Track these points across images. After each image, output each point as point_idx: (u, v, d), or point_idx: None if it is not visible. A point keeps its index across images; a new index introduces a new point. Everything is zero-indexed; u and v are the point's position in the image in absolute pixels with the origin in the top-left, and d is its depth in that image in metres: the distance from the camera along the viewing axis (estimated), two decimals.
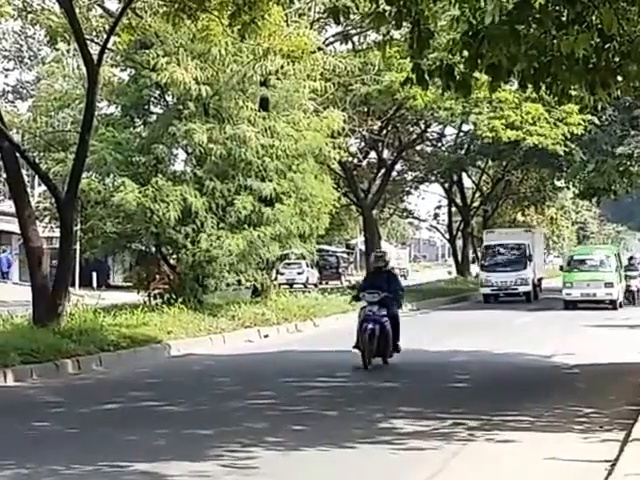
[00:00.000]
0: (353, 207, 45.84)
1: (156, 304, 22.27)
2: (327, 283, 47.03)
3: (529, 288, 37.80)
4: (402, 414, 11.25)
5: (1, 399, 12.73)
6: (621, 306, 32.89)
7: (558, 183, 47.83)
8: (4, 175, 25.77)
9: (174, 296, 21.95)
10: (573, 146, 35.48)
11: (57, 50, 23.64)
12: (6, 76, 39.72)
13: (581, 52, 10.13)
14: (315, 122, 24.68)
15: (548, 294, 39.94)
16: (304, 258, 38.89)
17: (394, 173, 45.86)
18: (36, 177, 27.84)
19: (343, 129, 26.51)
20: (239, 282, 24.07)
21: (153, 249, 23.80)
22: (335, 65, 24.45)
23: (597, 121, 34.51)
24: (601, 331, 23.03)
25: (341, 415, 11.36)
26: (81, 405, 11.97)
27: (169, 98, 24.03)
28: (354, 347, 15.74)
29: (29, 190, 22.72)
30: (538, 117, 34.18)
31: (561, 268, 35.84)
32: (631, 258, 40.69)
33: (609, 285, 32.61)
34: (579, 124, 33.99)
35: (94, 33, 21.44)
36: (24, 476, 8.29)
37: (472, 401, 12.34)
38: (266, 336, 21.79)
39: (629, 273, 38.42)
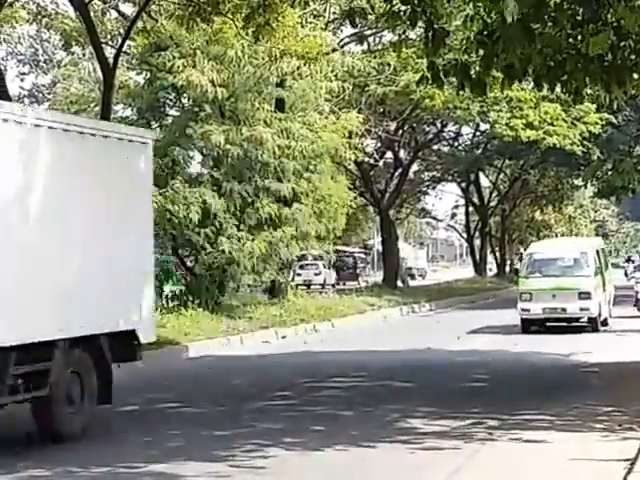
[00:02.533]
0: (370, 208, 45.80)
1: (173, 306, 22.32)
2: (344, 284, 46.98)
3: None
4: (420, 414, 11.25)
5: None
6: (606, 324, 23.36)
7: (576, 182, 47.66)
8: None
9: (191, 298, 21.98)
10: (590, 145, 35.33)
11: (72, 54, 23.79)
12: (22, 80, 39.92)
13: (597, 51, 10.10)
14: (331, 123, 24.69)
15: None
16: (321, 259, 38.92)
17: (411, 173, 45.76)
18: None
19: (359, 129, 26.52)
20: (255, 285, 24.10)
21: (170, 252, 23.83)
22: (352, 65, 24.45)
23: (614, 120, 34.36)
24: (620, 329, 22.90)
25: (359, 415, 11.36)
26: (98, 407, 11.99)
27: (185, 100, 24.11)
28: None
29: None
30: (556, 117, 34.06)
31: (516, 272, 25.66)
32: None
33: (585, 296, 22.22)
34: (596, 123, 33.86)
35: (109, 37, 21.54)
36: (41, 477, 8.33)
37: (491, 400, 12.31)
38: (283, 337, 21.81)
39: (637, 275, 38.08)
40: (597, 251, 23.87)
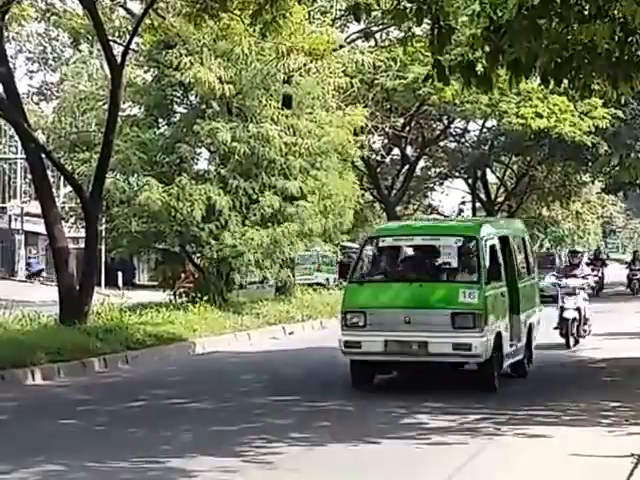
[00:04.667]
0: (377, 204, 45.79)
1: (181, 302, 22.38)
2: None
3: None
4: (427, 409, 11.29)
5: (30, 397, 12.85)
6: (519, 373, 14.06)
7: (583, 178, 47.60)
8: (30, 176, 26.02)
9: (199, 294, 22.04)
10: (598, 139, 35.30)
11: (80, 52, 23.87)
12: (31, 78, 40.13)
13: (604, 45, 10.12)
14: (338, 119, 24.70)
15: None
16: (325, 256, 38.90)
17: (417, 169, 45.77)
18: (61, 178, 28.07)
19: (366, 126, 26.51)
20: (262, 281, 24.15)
21: (177, 248, 23.91)
22: (360, 60, 24.44)
23: (622, 114, 34.32)
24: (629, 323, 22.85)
25: (365, 411, 11.42)
26: (108, 403, 12.06)
27: (192, 97, 24.12)
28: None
29: (55, 191, 22.91)
30: (564, 109, 34.05)
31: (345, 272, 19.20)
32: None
33: (466, 321, 12.49)
34: (603, 117, 33.81)
35: (117, 34, 21.56)
36: (54, 473, 8.39)
37: (498, 395, 12.38)
38: (291, 333, 21.85)
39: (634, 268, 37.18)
40: (504, 240, 13.85)
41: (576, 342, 18.22)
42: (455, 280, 13.15)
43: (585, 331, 18.67)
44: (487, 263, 12.87)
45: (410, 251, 14.30)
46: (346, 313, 12.93)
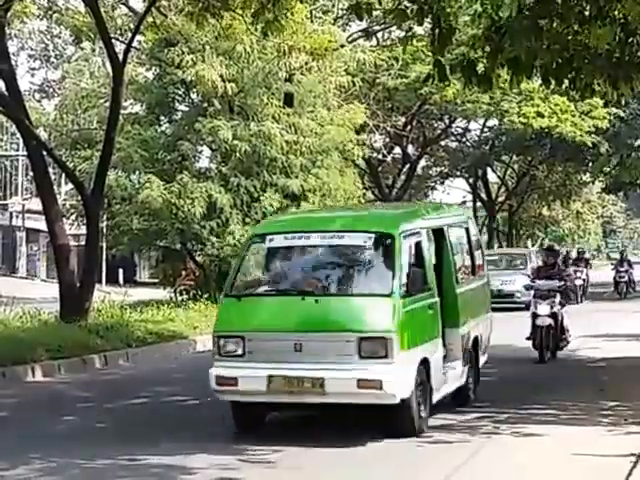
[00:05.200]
0: (378, 203, 45.84)
1: (182, 300, 22.43)
2: None
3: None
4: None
5: (30, 394, 12.89)
6: (460, 402, 11.31)
7: (584, 178, 47.67)
8: (32, 173, 26.06)
9: (200, 292, 22.08)
10: (598, 139, 35.34)
11: (82, 49, 23.93)
12: (32, 75, 40.18)
13: (604, 46, 10.16)
14: (338, 116, 24.73)
15: None
16: None
17: (419, 168, 45.83)
18: (63, 175, 28.10)
19: (367, 125, 26.51)
20: None
21: (178, 246, 23.96)
22: (362, 59, 24.47)
23: (622, 114, 34.36)
24: (627, 324, 22.90)
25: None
26: (108, 400, 12.10)
27: (194, 95, 24.21)
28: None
29: (56, 188, 22.94)
30: (565, 109, 34.12)
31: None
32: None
33: (374, 349, 9.33)
34: (604, 117, 33.87)
35: (119, 32, 21.62)
36: (54, 469, 8.44)
37: (497, 395, 12.36)
38: None
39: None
40: (438, 234, 11.16)
41: (553, 355, 15.90)
42: (363, 293, 9.76)
43: (563, 341, 16.17)
44: (406, 268, 9.77)
45: (306, 253, 10.70)
46: (218, 338, 9.72)
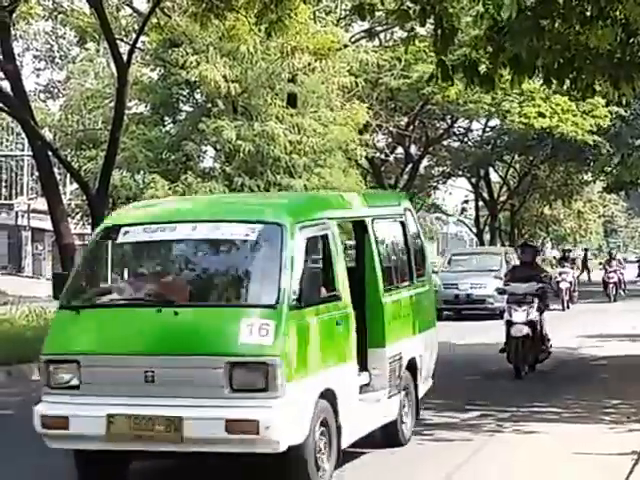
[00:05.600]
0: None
1: None
2: None
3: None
4: (430, 405, 11.30)
5: (35, 393, 12.94)
6: (392, 442, 9.13)
7: (585, 177, 47.73)
8: (37, 173, 26.14)
9: None
10: (600, 139, 35.39)
11: (87, 50, 24.00)
12: (38, 76, 40.15)
13: (606, 47, 10.23)
14: (341, 116, 24.80)
15: None
16: None
17: (421, 168, 45.89)
18: (68, 175, 28.16)
19: (370, 125, 26.55)
20: None
21: None
22: (365, 60, 24.53)
23: (624, 113, 34.40)
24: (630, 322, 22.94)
25: None
26: None
27: (198, 96, 24.29)
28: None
29: (61, 188, 23.04)
30: (567, 109, 34.17)
31: None
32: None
33: (251, 370, 7.04)
34: (606, 116, 33.91)
35: (123, 33, 21.70)
36: (58, 468, 8.45)
37: (500, 393, 12.44)
38: None
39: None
40: (359, 228, 9.26)
41: (532, 368, 14.04)
42: (239, 303, 7.55)
43: (543, 352, 14.25)
44: (300, 269, 7.46)
45: (169, 250, 8.33)
46: (47, 363, 7.45)
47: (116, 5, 21.38)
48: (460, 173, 49.19)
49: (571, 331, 19.34)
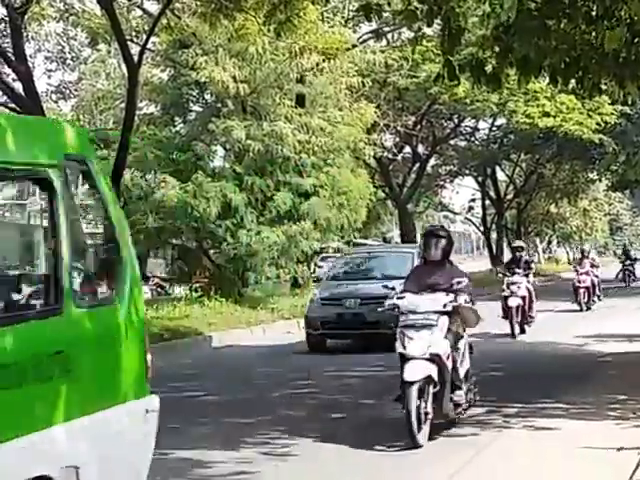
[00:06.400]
0: (388, 201, 46.01)
1: (197, 297, 22.66)
2: None
3: None
4: None
5: None
6: None
7: (591, 175, 47.78)
8: None
9: (215, 289, 22.32)
10: (605, 137, 35.44)
11: (98, 51, 24.20)
12: (49, 77, 40.32)
13: (612, 47, 10.31)
14: (349, 116, 24.93)
15: None
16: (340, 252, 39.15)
17: (428, 167, 45.99)
18: None
19: (378, 124, 26.67)
20: (278, 276, 24.41)
21: (194, 244, 24.20)
22: (373, 59, 24.63)
23: (629, 111, 34.44)
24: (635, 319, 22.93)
25: (378, 403, 11.52)
26: None
27: (208, 96, 24.47)
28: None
29: None
30: (572, 108, 34.22)
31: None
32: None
33: None
34: (612, 114, 33.94)
35: (134, 34, 21.85)
36: None
37: (507, 389, 12.45)
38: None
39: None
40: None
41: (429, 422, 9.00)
42: None
43: (467, 395, 9.61)
44: None
45: None
46: None
47: (127, 6, 21.54)
48: (467, 172, 49.28)
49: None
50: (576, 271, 26.16)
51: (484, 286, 39.12)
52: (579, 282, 25.60)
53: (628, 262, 40.04)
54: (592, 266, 26.38)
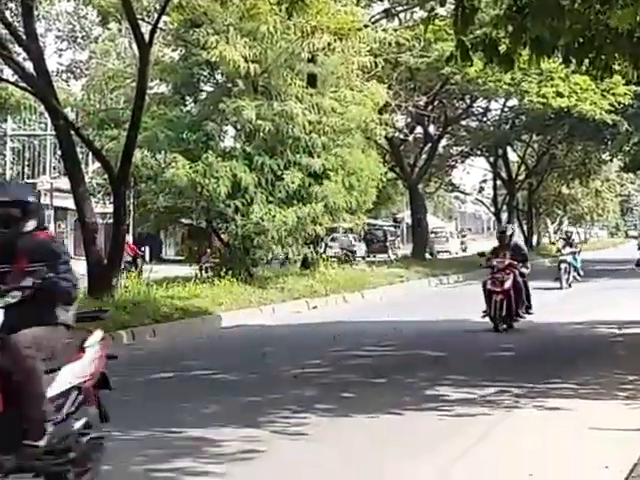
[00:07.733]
0: (399, 182, 45.98)
1: (207, 277, 22.69)
2: (375, 256, 47.40)
3: None
4: (449, 382, 11.44)
5: None
6: None
7: (603, 156, 47.63)
8: (59, 152, 26.36)
9: (225, 269, 22.35)
10: (618, 118, 35.29)
11: (109, 30, 24.15)
12: (60, 56, 40.46)
13: (624, 25, 10.26)
14: (360, 96, 24.85)
15: None
16: (352, 232, 39.22)
17: (440, 148, 45.91)
18: (90, 154, 28.36)
19: (389, 104, 26.58)
20: (287, 256, 24.44)
21: (204, 223, 24.22)
22: (384, 39, 24.53)
23: None
24: None
25: (388, 383, 11.59)
26: (136, 374, 12.13)
27: (218, 76, 24.41)
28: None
29: (83, 167, 23.23)
30: (586, 88, 34.08)
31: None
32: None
33: None
34: (626, 94, 33.79)
35: (145, 13, 21.81)
36: None
37: (518, 369, 12.49)
38: (314, 307, 22.11)
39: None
40: None
41: None
42: None
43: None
44: None
45: None
46: None
47: None
48: (478, 152, 49.22)
49: None
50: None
51: None
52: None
53: None
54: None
